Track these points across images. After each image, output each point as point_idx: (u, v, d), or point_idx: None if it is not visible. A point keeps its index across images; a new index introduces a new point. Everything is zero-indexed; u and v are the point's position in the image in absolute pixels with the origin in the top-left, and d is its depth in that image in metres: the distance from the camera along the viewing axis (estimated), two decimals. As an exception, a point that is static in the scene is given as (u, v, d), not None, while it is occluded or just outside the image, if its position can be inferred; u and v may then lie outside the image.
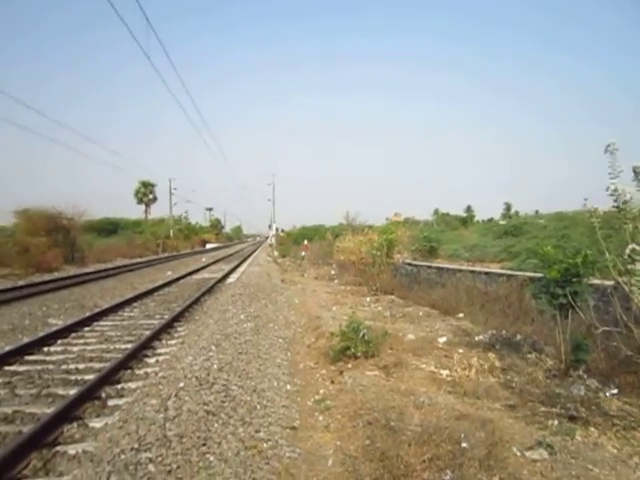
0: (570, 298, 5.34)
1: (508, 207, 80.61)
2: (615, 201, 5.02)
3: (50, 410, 4.44)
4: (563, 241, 19.69)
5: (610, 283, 5.75)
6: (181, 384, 5.04)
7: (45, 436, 3.96)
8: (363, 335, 6.39)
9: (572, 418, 4.26)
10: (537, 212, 62.51)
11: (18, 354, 6.54)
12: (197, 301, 11.64)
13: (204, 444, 3.76)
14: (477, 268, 13.35)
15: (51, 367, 6.12)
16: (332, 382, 5.73)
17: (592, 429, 4.06)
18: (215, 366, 5.78)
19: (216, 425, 4.14)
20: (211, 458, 3.55)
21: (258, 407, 4.72)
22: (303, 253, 30.92)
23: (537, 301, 6.74)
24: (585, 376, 5.12)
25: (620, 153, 4.85)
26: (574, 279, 5.49)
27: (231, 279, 17.56)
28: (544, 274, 5.89)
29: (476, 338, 7.31)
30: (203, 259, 31.85)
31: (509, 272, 10.81)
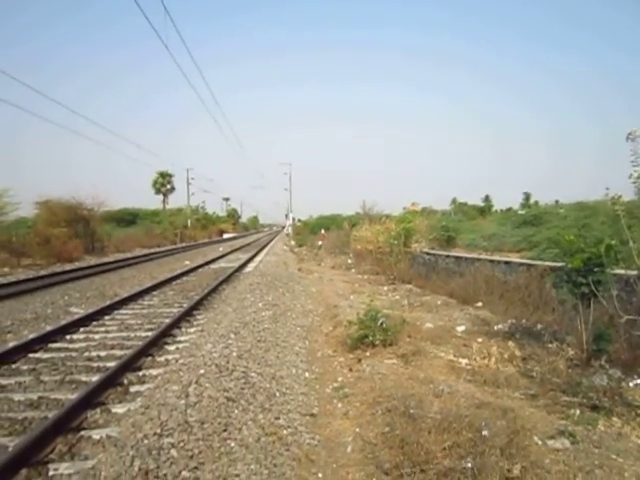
0: (593, 287, 5.26)
1: (527, 197, 79.66)
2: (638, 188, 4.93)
3: (74, 396, 4.52)
4: (584, 231, 19.33)
5: (634, 273, 5.65)
6: (201, 371, 5.09)
7: (70, 421, 4.03)
8: (381, 323, 6.38)
9: (594, 408, 4.22)
10: (557, 202, 61.60)
11: (42, 342, 6.66)
12: (215, 290, 11.73)
13: (225, 430, 3.80)
14: (496, 257, 13.20)
15: (74, 354, 6.22)
16: (350, 370, 5.74)
17: (615, 419, 4.01)
18: (234, 353, 5.83)
19: (236, 411, 4.18)
20: (232, 444, 3.59)
21: (277, 394, 4.75)
22: (320, 242, 30.93)
23: (558, 290, 6.66)
24: (607, 366, 5.05)
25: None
26: (596, 268, 5.40)
27: (248, 268, 17.66)
28: (566, 263, 5.81)
29: (495, 327, 7.26)
30: (220, 249, 32.05)
31: (529, 261, 10.67)
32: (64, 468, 3.33)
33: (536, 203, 71.52)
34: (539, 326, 6.92)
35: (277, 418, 4.18)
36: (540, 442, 3.53)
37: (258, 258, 22.76)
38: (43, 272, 16.59)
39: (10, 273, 16.99)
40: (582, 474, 3.14)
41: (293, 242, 39.85)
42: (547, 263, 9.64)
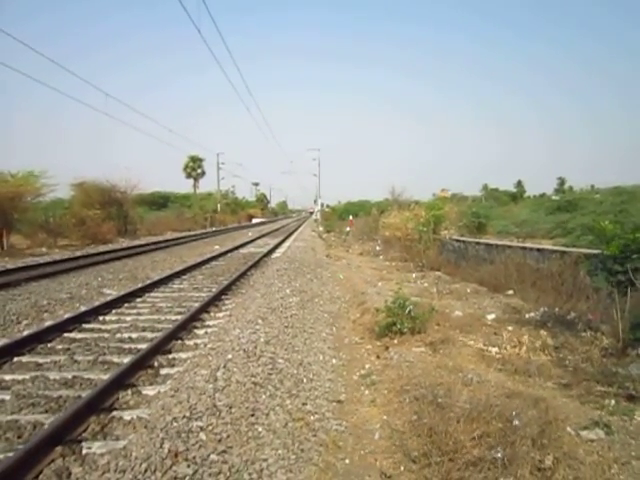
0: (630, 275, 5.10)
1: (562, 182, 77.70)
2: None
3: (106, 377, 4.62)
4: (621, 216, 18.78)
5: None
6: (229, 356, 5.14)
7: (102, 401, 4.11)
8: (409, 311, 6.31)
9: (631, 398, 4.10)
10: (593, 187, 59.95)
11: (76, 322, 6.83)
12: (244, 275, 11.80)
13: (252, 414, 3.83)
14: (528, 244, 12.94)
15: (106, 335, 6.35)
16: (378, 357, 5.72)
17: (653, 410, 3.89)
18: (262, 339, 5.87)
19: (264, 397, 4.21)
20: (260, 429, 3.62)
21: (304, 380, 4.76)
22: (348, 229, 30.87)
23: (593, 278, 6.48)
24: (645, 356, 4.91)
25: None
26: (634, 255, 5.24)
27: (277, 254, 17.74)
28: (602, 250, 5.65)
29: (527, 316, 7.13)
30: (249, 233, 32.27)
31: (562, 248, 10.42)
32: (97, 447, 3.41)
33: (570, 188, 69.72)
34: (572, 314, 6.75)
35: (304, 404, 4.19)
36: (573, 433, 3.45)
37: (286, 244, 22.85)
38: (78, 253, 17.05)
39: (47, 253, 17.53)
40: (617, 466, 3.06)
41: (321, 228, 39.81)
42: (581, 250, 9.41)
